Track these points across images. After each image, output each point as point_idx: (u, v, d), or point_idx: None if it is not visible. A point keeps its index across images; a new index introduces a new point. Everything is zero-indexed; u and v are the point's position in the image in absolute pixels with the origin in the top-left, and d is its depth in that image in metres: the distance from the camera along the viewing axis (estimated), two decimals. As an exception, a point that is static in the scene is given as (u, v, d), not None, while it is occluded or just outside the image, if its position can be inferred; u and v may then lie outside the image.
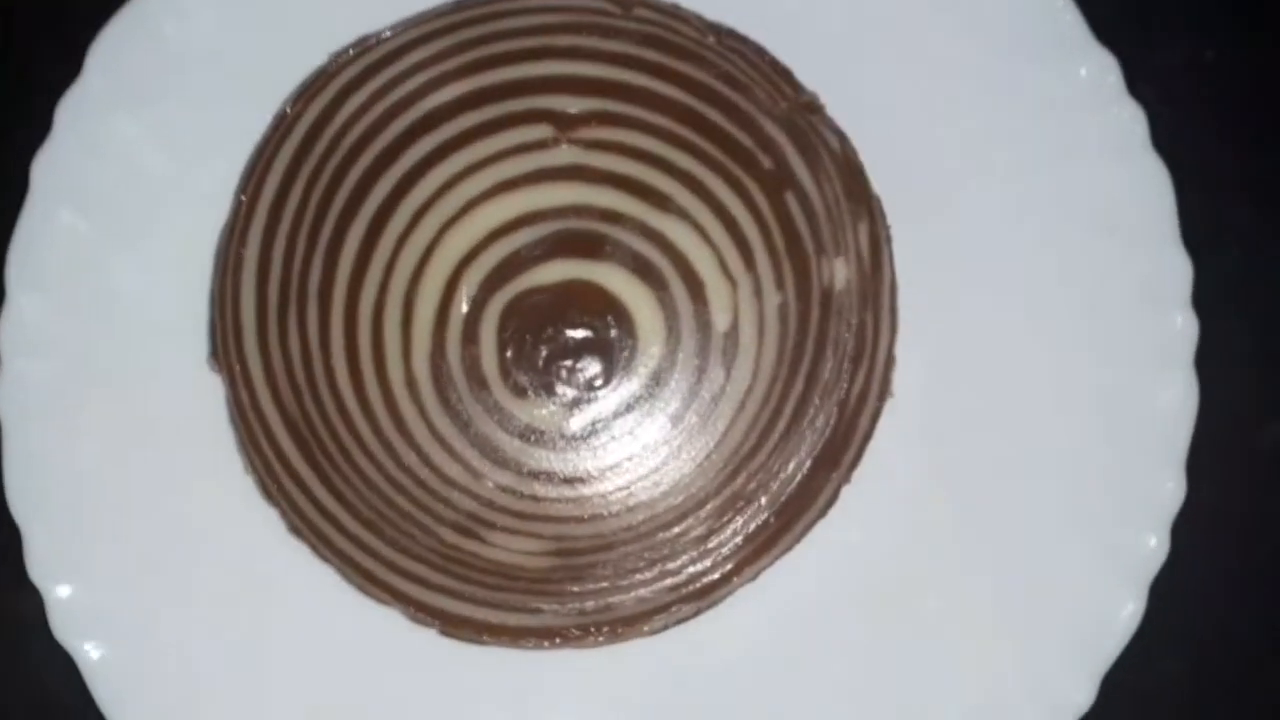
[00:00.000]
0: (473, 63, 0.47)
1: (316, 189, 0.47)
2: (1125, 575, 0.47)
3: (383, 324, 0.47)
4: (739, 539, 0.47)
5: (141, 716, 0.47)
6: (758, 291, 0.47)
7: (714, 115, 0.47)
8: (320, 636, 0.48)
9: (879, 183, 0.48)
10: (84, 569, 0.47)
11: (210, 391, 0.48)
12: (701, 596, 0.47)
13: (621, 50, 0.48)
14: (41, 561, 0.47)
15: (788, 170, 0.47)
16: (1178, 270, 0.48)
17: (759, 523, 0.47)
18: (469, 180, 0.47)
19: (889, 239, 0.48)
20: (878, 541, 0.48)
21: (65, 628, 0.47)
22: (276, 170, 0.48)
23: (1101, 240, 0.48)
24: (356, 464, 0.47)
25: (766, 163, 0.47)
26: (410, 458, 0.47)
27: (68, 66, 0.48)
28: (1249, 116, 0.54)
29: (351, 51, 0.48)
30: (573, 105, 0.47)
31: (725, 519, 0.47)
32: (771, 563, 0.47)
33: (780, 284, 0.47)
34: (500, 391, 0.47)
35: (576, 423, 0.47)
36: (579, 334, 0.47)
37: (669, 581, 0.47)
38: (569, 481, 0.47)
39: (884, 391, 0.48)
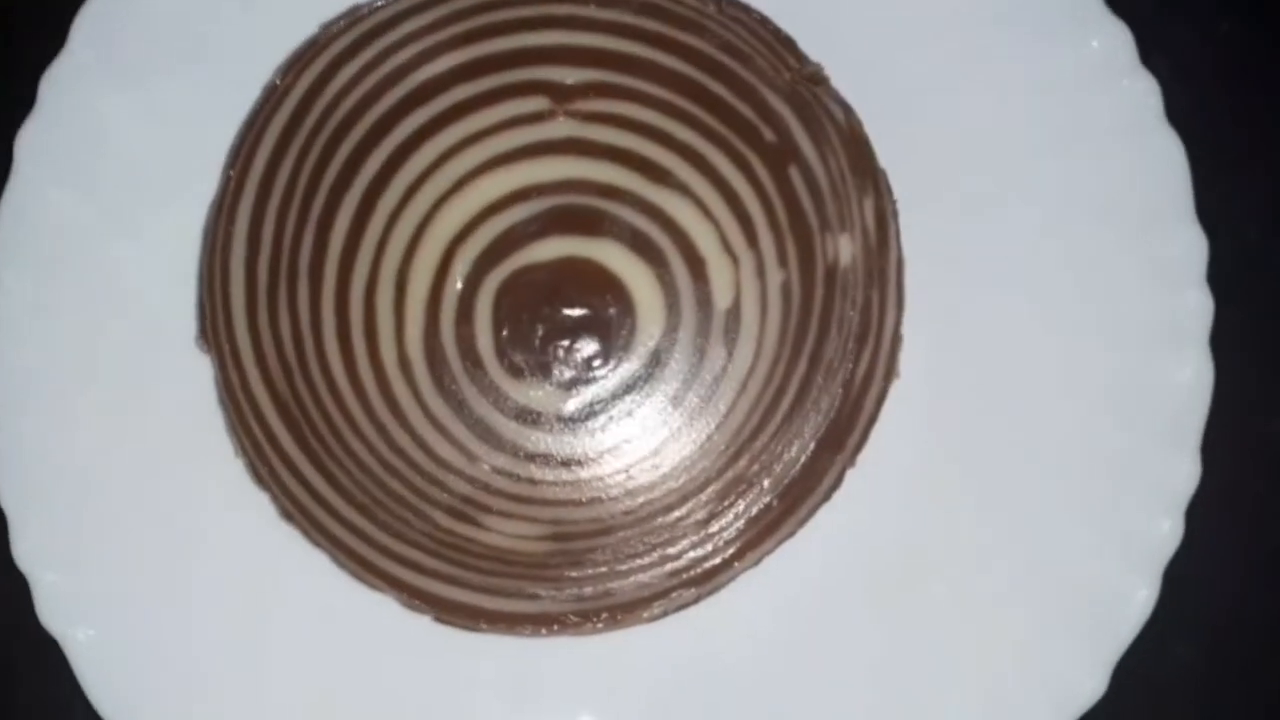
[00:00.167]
0: (467, 33, 0.47)
1: (307, 164, 0.47)
2: (1138, 561, 0.47)
3: (375, 302, 0.47)
4: (741, 523, 0.47)
5: (130, 703, 0.47)
6: (760, 269, 0.47)
7: (716, 87, 0.47)
8: (313, 622, 0.48)
9: (884, 157, 0.48)
10: (71, 555, 0.47)
11: (201, 373, 0.48)
12: (702, 582, 0.47)
13: (620, 19, 0.47)
14: (29, 547, 0.47)
15: (791, 143, 0.47)
16: (1192, 248, 0.48)
17: (761, 506, 0.47)
18: (463, 154, 0.47)
19: (895, 214, 0.48)
20: (883, 526, 0.48)
21: (52, 614, 0.47)
22: (266, 145, 0.47)
23: (1114, 216, 0.48)
24: (349, 446, 0.47)
25: (769, 135, 0.47)
26: (403, 440, 0.47)
27: (52, 40, 0.48)
28: (1265, 90, 0.53)
29: (343, 22, 0.48)
30: (570, 76, 0.47)
31: (727, 502, 0.47)
32: (774, 547, 0.47)
33: (783, 261, 0.47)
34: (496, 372, 0.47)
35: (574, 404, 0.47)
36: (576, 313, 0.47)
37: (669, 567, 0.47)
38: (566, 464, 0.47)
39: (890, 372, 0.47)
